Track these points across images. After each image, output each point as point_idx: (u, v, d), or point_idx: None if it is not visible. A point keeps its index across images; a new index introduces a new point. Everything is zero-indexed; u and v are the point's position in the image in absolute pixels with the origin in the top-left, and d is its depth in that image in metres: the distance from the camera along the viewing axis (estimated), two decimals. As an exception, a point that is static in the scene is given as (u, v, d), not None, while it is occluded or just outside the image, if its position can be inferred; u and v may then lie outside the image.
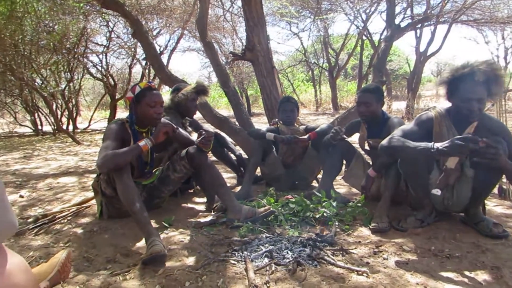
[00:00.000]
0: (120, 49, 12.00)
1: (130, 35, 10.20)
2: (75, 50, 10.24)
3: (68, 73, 11.31)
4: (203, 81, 3.71)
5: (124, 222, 2.65)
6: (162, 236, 2.37)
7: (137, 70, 15.92)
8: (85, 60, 11.56)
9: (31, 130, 11.86)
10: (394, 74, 24.42)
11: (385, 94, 3.52)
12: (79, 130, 11.82)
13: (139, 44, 7.78)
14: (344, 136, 3.03)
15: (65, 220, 2.80)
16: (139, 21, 5.27)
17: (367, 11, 12.81)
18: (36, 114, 11.72)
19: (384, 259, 2.04)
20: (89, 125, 12.74)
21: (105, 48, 11.91)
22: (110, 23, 10.92)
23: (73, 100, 11.85)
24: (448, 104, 2.46)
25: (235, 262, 1.98)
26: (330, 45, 18.21)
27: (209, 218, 2.63)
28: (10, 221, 1.16)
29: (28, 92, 10.39)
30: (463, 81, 2.26)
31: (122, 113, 14.54)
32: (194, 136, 3.00)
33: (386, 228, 2.44)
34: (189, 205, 3.21)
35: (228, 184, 3.22)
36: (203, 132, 2.72)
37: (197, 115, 3.89)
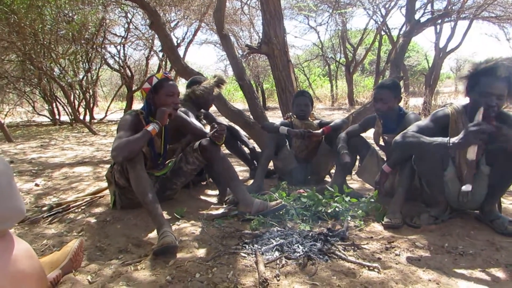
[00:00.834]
0: (138, 40, 12.10)
1: (147, 27, 10.25)
2: (94, 40, 10.36)
3: (86, 64, 11.44)
4: (222, 75, 3.71)
5: (136, 212, 2.67)
6: (173, 227, 2.38)
7: (154, 62, 16.06)
8: (103, 51, 11.68)
9: (49, 120, 12.07)
10: (412, 70, 24.01)
11: (402, 90, 3.46)
12: (95, 121, 11.99)
13: (156, 35, 7.81)
14: None
15: (79, 210, 2.83)
16: (157, 12, 5.28)
17: (387, 5, 12.57)
18: (54, 104, 11.94)
19: (396, 255, 2.01)
20: (106, 115, 12.92)
21: (123, 39, 12.02)
22: (128, 14, 11.01)
23: (91, 91, 12.00)
24: (466, 101, 2.41)
25: (246, 255, 1.98)
26: (347, 39, 17.99)
27: (220, 211, 2.63)
28: (17, 207, 1.16)
29: (46, 81, 10.57)
30: (485, 75, 2.20)
31: (138, 105, 14.61)
32: (208, 129, 3.00)
33: (399, 224, 2.40)
34: (201, 197, 3.22)
35: (241, 177, 3.22)
36: (216, 125, 2.72)
37: (212, 108, 3.89)
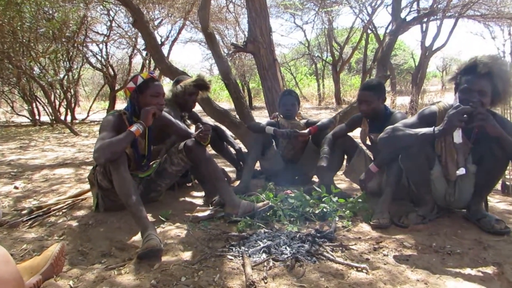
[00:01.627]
0: (121, 38, 11.94)
1: (130, 25, 10.12)
2: (75, 38, 10.16)
3: (67, 62, 11.23)
4: (205, 75, 3.57)
5: (120, 215, 2.61)
6: (158, 230, 2.33)
7: (138, 60, 15.90)
8: (85, 49, 11.52)
9: (29, 120, 11.82)
10: (398, 68, 24.28)
11: (389, 88, 3.46)
12: (77, 121, 11.79)
13: (140, 34, 7.71)
14: None
15: (60, 213, 2.76)
16: (140, 10, 5.18)
17: (373, 4, 12.67)
18: (34, 104, 11.65)
19: (384, 255, 2.01)
20: (88, 116, 12.71)
21: (105, 38, 11.85)
22: (111, 12, 10.86)
23: (72, 90, 11.81)
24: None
25: (232, 258, 1.95)
26: (334, 38, 18.04)
27: (206, 213, 2.59)
28: None
29: (26, 81, 10.33)
30: (466, 73, 2.28)
31: (121, 104, 14.50)
32: (192, 129, 2.95)
33: (387, 224, 2.40)
34: (187, 199, 3.17)
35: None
36: (201, 126, 2.68)
37: (197, 108, 3.83)
